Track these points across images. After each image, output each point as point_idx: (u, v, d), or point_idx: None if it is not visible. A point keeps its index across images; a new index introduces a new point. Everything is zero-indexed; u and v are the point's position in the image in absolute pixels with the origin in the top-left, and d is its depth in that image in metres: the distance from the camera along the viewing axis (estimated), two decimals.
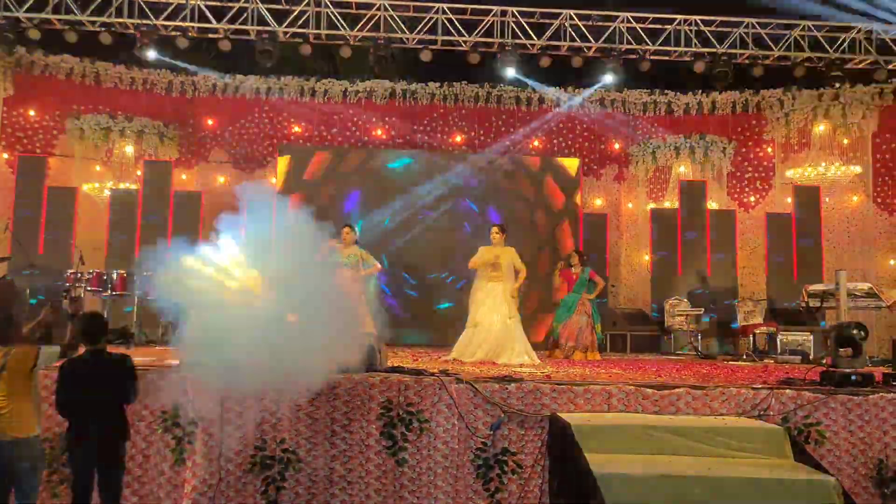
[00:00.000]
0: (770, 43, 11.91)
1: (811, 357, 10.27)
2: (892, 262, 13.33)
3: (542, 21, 11.79)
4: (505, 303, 9.08)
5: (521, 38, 11.77)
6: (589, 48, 11.92)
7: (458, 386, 6.06)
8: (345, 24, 11.52)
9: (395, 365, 6.96)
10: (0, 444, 4.61)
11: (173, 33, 11.54)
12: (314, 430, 5.89)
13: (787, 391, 6.18)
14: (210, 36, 11.67)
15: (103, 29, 11.43)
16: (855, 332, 6.60)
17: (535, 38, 11.79)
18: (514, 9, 11.67)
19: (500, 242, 9.26)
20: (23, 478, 4.69)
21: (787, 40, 11.91)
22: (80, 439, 4.89)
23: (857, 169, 13.23)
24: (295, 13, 11.43)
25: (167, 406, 5.82)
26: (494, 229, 9.37)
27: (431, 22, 11.63)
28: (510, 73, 11.97)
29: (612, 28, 11.76)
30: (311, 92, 13.98)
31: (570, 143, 14.37)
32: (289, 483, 5.82)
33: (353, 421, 5.92)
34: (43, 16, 11.14)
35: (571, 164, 13.73)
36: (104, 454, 4.93)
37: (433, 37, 11.71)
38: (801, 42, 11.90)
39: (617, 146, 14.41)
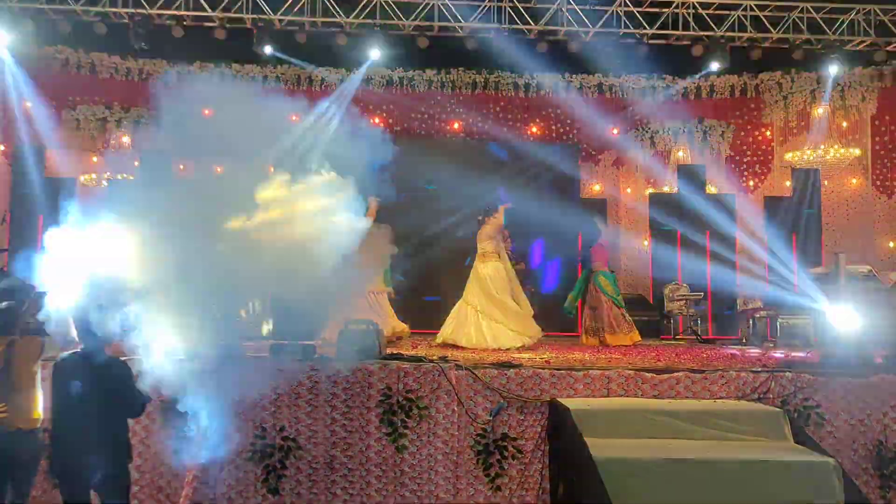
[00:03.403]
0: (768, 25, 11.83)
1: (811, 340, 10.27)
2: (891, 244, 13.32)
3: (538, 6, 11.69)
4: (496, 282, 9.08)
5: (517, 24, 11.69)
6: (587, 33, 11.84)
7: (457, 372, 6.07)
8: (340, 11, 11.44)
9: (394, 352, 6.96)
10: (2, 435, 4.59)
11: (168, 22, 11.46)
12: (314, 417, 5.90)
13: (787, 374, 6.19)
14: (205, 24, 11.58)
15: (97, 19, 11.35)
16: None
17: (531, 24, 11.70)
18: None
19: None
20: (21, 469, 4.67)
21: (785, 22, 11.83)
22: (69, 455, 4.28)
23: (857, 151, 13.19)
24: (290, 0, 11.35)
25: (166, 395, 5.81)
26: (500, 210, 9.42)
27: (428, 7, 11.54)
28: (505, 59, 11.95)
29: (609, 12, 11.68)
30: (308, 80, 13.91)
31: (567, 128, 14.31)
32: (289, 471, 5.83)
33: (352, 408, 5.93)
34: (36, 6, 11.05)
35: (569, 149, 13.70)
36: (102, 480, 4.33)
37: (430, 23, 11.63)
38: (800, 24, 11.81)
39: (615, 131, 14.35)
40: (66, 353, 4.48)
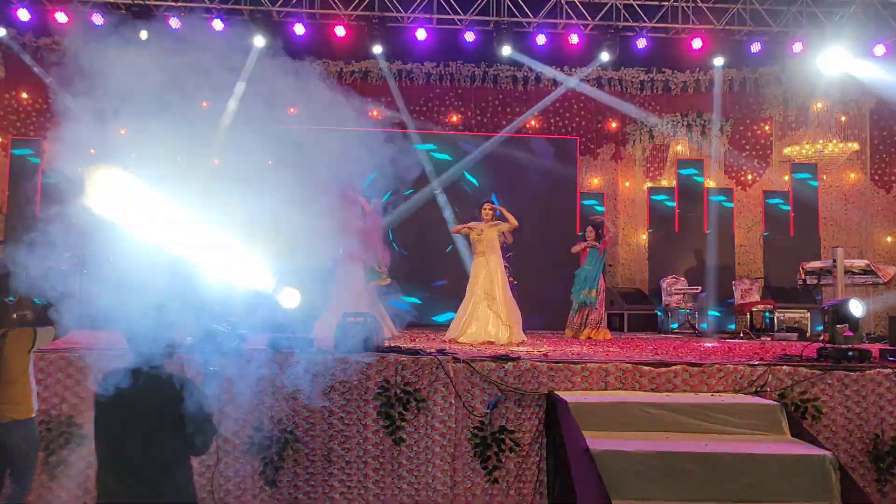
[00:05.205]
0: (768, 19, 11.81)
1: (808, 334, 10.30)
2: (889, 238, 13.33)
3: None
4: (487, 278, 9.00)
5: (516, 16, 11.66)
6: (586, 26, 11.81)
7: (455, 365, 6.06)
8: (338, 3, 11.40)
9: (392, 345, 6.96)
10: None
11: (165, 13, 11.41)
12: (311, 409, 5.89)
13: (784, 367, 6.19)
14: (203, 16, 11.53)
15: (94, 10, 11.30)
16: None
17: (531, 16, 11.67)
18: None
19: (490, 219, 9.20)
20: (18, 461, 4.68)
21: (784, 16, 11.81)
22: None
23: (855, 146, 13.18)
24: None
25: None
26: (486, 206, 9.27)
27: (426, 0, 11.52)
28: (506, 51, 11.87)
29: (609, 5, 11.64)
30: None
31: (566, 122, 14.28)
32: (287, 463, 5.83)
33: (350, 401, 5.93)
34: None
35: (568, 143, 13.67)
36: None
37: (429, 15, 11.59)
38: (800, 17, 11.80)
39: (614, 125, 14.32)
40: (114, 371, 3.36)
